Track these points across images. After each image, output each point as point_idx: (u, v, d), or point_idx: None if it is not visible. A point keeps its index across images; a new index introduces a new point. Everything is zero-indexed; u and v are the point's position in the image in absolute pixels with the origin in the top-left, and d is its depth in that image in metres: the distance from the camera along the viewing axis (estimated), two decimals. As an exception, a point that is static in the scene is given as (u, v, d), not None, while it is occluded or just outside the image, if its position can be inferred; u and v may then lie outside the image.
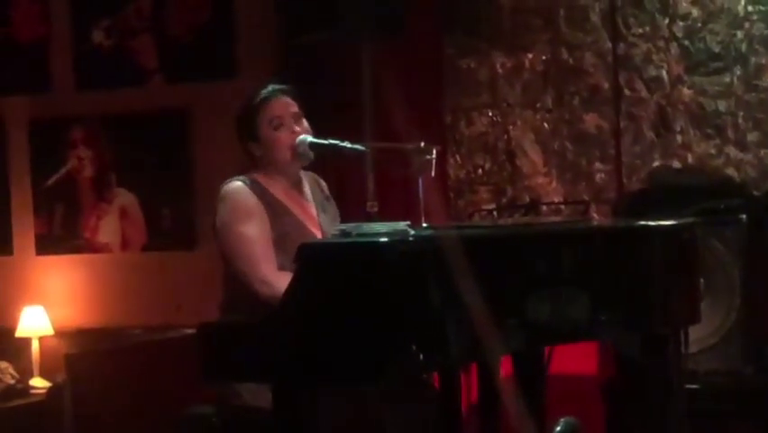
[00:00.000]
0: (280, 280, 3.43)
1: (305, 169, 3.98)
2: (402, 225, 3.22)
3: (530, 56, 6.01)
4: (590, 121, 5.91)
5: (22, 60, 6.88)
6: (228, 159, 5.88)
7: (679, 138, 5.76)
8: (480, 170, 6.12)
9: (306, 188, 3.99)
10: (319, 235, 3.85)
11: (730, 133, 5.67)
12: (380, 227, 3.23)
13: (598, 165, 5.90)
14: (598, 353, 5.16)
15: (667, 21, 5.76)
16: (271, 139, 3.84)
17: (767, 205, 5.27)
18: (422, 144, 3.58)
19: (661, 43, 5.77)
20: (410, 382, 3.09)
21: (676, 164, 5.75)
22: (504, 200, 6.04)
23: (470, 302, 3.08)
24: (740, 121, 5.65)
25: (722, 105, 5.68)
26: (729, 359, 5.01)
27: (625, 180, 5.82)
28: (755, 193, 5.46)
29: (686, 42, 5.73)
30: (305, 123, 3.88)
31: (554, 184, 5.97)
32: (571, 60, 5.93)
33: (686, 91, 5.74)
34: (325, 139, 3.81)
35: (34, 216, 6.89)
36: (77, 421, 5.55)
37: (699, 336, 4.79)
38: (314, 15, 5.54)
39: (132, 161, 6.70)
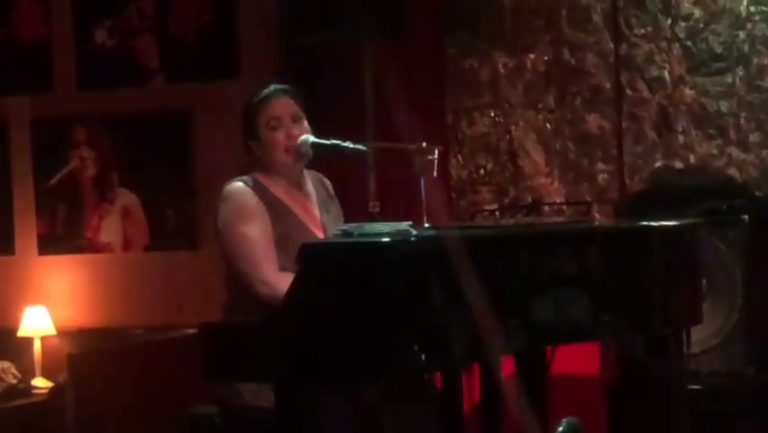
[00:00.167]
0: (282, 281, 3.43)
1: (308, 168, 3.98)
2: (404, 225, 3.22)
3: (532, 56, 6.01)
4: (592, 121, 5.90)
5: (24, 60, 6.89)
6: (230, 159, 5.92)
7: (681, 138, 5.75)
8: (481, 171, 6.12)
9: (310, 188, 3.99)
10: (321, 236, 3.85)
11: (732, 134, 5.67)
12: (382, 227, 3.23)
13: (600, 165, 5.90)
14: (600, 353, 5.16)
15: (669, 21, 5.76)
16: (269, 140, 3.84)
17: (769, 205, 5.28)
18: (424, 144, 3.58)
19: (663, 44, 5.77)
20: (412, 382, 3.09)
21: (678, 165, 5.75)
22: (506, 201, 6.04)
23: (471, 302, 3.08)
24: (742, 121, 5.65)
25: (724, 106, 5.68)
26: (731, 360, 5.00)
27: (627, 181, 5.82)
28: (757, 193, 5.45)
29: (688, 43, 5.73)
30: (305, 124, 3.87)
31: (556, 184, 5.96)
32: (573, 61, 5.93)
33: (688, 91, 5.74)
34: (327, 139, 3.80)
35: (36, 216, 6.89)
36: (78, 421, 5.55)
37: (701, 336, 4.79)
38: (315, 16, 5.55)
39: (134, 161, 6.70)
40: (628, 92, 5.83)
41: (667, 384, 3.88)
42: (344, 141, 3.77)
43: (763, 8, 5.60)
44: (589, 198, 5.75)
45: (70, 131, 6.81)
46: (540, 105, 6.00)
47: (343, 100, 5.78)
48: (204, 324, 3.36)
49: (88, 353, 5.96)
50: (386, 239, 3.11)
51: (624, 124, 5.84)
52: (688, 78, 5.73)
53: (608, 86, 5.87)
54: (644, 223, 3.99)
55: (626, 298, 3.63)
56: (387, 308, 3.01)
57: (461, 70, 6.13)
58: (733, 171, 5.63)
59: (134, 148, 6.69)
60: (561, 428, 3.87)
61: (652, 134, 5.80)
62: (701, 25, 5.70)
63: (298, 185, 3.94)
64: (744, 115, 5.65)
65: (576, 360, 4.71)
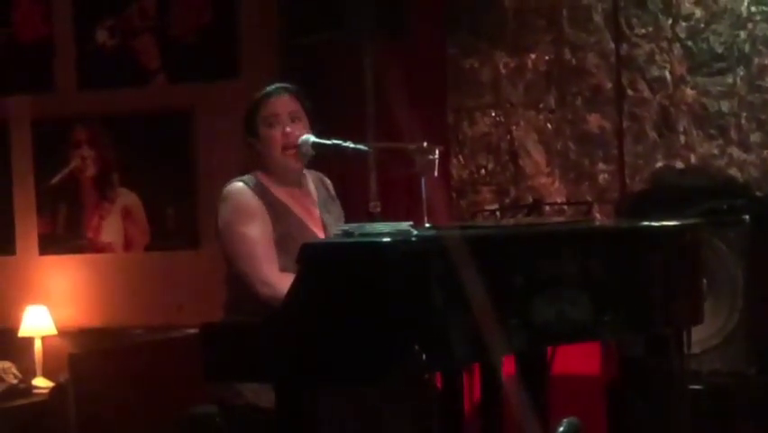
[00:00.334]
0: (282, 282, 3.43)
1: (309, 168, 3.98)
2: (405, 225, 3.22)
3: (533, 56, 6.01)
4: (593, 121, 5.90)
5: (25, 60, 6.88)
6: (230, 158, 5.93)
7: (682, 138, 5.75)
8: (482, 171, 6.12)
9: (310, 188, 3.98)
10: (322, 236, 3.85)
11: (733, 134, 5.67)
12: (383, 227, 3.23)
13: (600, 165, 5.90)
14: (601, 353, 5.15)
15: (670, 21, 5.76)
16: (265, 136, 3.84)
17: (770, 205, 5.28)
18: (425, 144, 3.57)
19: (664, 44, 5.77)
20: (412, 382, 3.09)
21: (679, 165, 5.75)
22: (507, 201, 6.04)
23: (472, 302, 3.08)
24: (743, 121, 5.65)
25: (725, 106, 5.68)
26: (732, 360, 5.00)
27: (627, 181, 5.82)
28: (758, 193, 5.46)
29: (689, 43, 5.73)
30: (304, 123, 3.86)
31: (557, 184, 5.96)
32: (573, 61, 5.93)
33: (689, 92, 5.74)
34: (328, 139, 3.80)
35: (37, 215, 6.89)
36: (79, 421, 5.55)
37: (702, 336, 4.79)
38: (316, 16, 5.55)
39: (134, 161, 6.70)
40: (629, 92, 5.83)
41: (668, 384, 3.88)
42: (345, 141, 3.76)
43: (764, 8, 5.60)
44: (589, 198, 5.75)
45: (71, 131, 6.81)
46: (541, 105, 6.00)
47: (344, 100, 5.78)
48: (204, 324, 3.36)
49: (89, 353, 5.96)
50: (386, 239, 3.11)
51: (625, 124, 5.84)
52: (689, 78, 5.73)
53: (608, 86, 5.87)
54: (645, 223, 4.00)
55: (626, 298, 3.63)
56: (387, 308, 3.01)
57: (462, 70, 6.13)
58: (734, 171, 5.63)
59: (135, 148, 6.69)
60: (561, 428, 3.87)
61: (653, 134, 5.80)
62: (702, 25, 5.70)
63: (299, 185, 3.93)
64: (744, 115, 5.65)
65: (576, 360, 4.71)
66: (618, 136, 5.85)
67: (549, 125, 5.99)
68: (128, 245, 6.75)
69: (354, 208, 4.31)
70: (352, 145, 3.75)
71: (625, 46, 5.83)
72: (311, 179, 4.01)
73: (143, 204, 6.70)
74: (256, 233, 3.73)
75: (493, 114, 6.09)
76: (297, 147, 3.82)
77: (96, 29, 6.76)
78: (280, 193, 3.85)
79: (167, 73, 6.66)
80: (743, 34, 5.64)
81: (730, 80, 5.67)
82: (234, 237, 3.75)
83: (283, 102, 3.86)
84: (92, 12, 6.76)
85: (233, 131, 6.03)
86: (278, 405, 3.26)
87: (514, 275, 3.32)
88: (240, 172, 3.91)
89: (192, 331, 4.10)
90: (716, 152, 5.69)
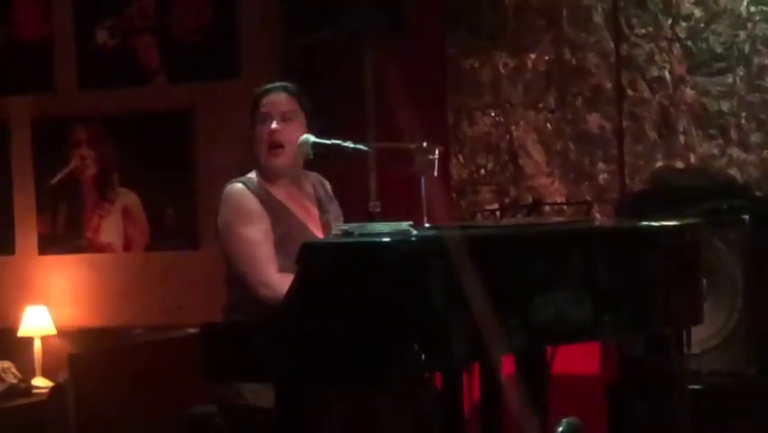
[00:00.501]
0: (282, 283, 3.43)
1: (308, 168, 3.98)
2: (404, 225, 3.22)
3: (533, 56, 6.01)
4: (593, 121, 5.90)
5: (25, 60, 6.88)
6: (230, 158, 5.93)
7: (681, 139, 5.75)
8: (482, 171, 6.12)
9: (309, 189, 3.98)
10: (321, 236, 3.84)
11: (733, 134, 5.67)
12: (383, 227, 3.23)
13: (600, 165, 5.90)
14: (601, 353, 5.16)
15: (670, 21, 5.76)
16: (255, 134, 3.84)
17: (770, 205, 5.28)
18: (424, 144, 3.57)
19: (663, 44, 5.77)
20: (412, 382, 3.09)
21: (679, 165, 5.75)
22: (506, 200, 6.04)
23: (472, 302, 3.08)
24: (743, 121, 5.65)
25: (725, 106, 5.68)
26: (732, 360, 5.00)
27: (627, 181, 5.82)
28: (758, 194, 5.46)
29: (689, 43, 5.73)
30: (299, 123, 3.84)
31: (557, 184, 5.96)
32: (573, 61, 5.93)
33: (689, 92, 5.74)
34: (328, 139, 3.80)
35: (37, 215, 6.89)
36: (79, 421, 5.54)
37: (701, 336, 4.79)
38: (316, 15, 5.55)
39: (134, 161, 6.70)
40: (629, 92, 5.83)
41: (667, 384, 3.88)
42: (345, 140, 3.76)
43: (764, 8, 5.60)
44: (589, 198, 5.75)
45: (71, 130, 6.81)
46: (541, 105, 6.00)
47: (344, 100, 5.78)
48: (204, 323, 3.36)
49: (89, 352, 5.96)
50: (386, 239, 3.12)
51: (624, 124, 5.84)
52: (688, 78, 5.73)
53: (608, 86, 5.87)
54: (645, 223, 4.00)
55: (626, 297, 3.63)
56: (387, 307, 3.01)
57: (462, 70, 6.13)
58: (734, 171, 5.63)
59: (135, 148, 6.69)
60: (561, 429, 3.87)
61: (652, 134, 5.80)
62: (702, 25, 5.70)
63: (299, 185, 3.93)
64: (744, 115, 5.65)
65: (576, 360, 4.71)
66: (618, 136, 5.85)
67: (549, 125, 5.99)
68: (128, 245, 6.75)
69: (354, 208, 4.31)
70: (351, 145, 3.75)
71: (625, 46, 5.83)
72: (310, 179, 4.01)
73: (143, 204, 6.70)
74: (256, 234, 3.73)
75: (493, 113, 6.09)
76: (277, 145, 3.81)
77: (96, 29, 6.76)
78: (280, 193, 3.85)
79: (167, 73, 6.66)
80: (742, 34, 5.64)
81: (730, 80, 5.67)
82: (234, 238, 3.75)
83: (276, 101, 3.85)
84: (92, 11, 6.76)
85: (233, 131, 6.06)
86: (278, 405, 3.26)
87: (513, 275, 3.32)
88: (240, 172, 3.91)
89: (192, 331, 4.11)
90: (716, 152, 5.69)
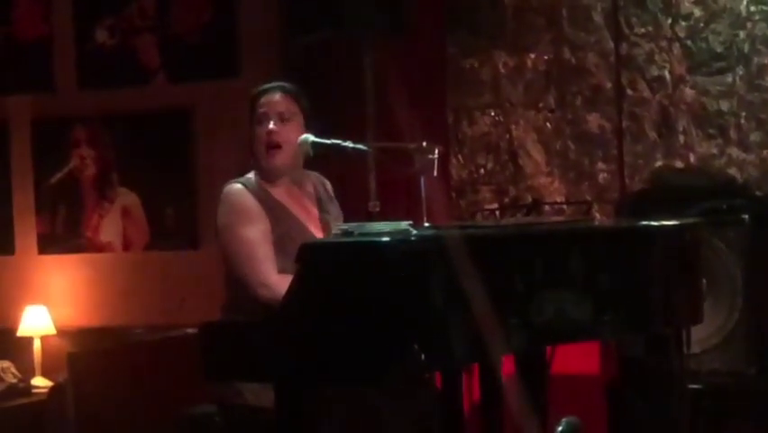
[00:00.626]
0: (281, 283, 3.42)
1: (308, 168, 3.98)
2: (404, 224, 3.22)
3: (533, 56, 6.01)
4: (593, 121, 5.90)
5: (25, 60, 6.88)
6: (230, 158, 5.92)
7: (681, 138, 5.75)
8: (482, 170, 6.12)
9: (310, 188, 3.98)
10: (321, 236, 3.84)
11: (732, 134, 5.66)
12: (382, 227, 3.23)
13: (600, 165, 5.89)
14: (600, 353, 5.16)
15: (670, 21, 5.76)
16: (253, 133, 3.84)
17: (770, 205, 5.27)
18: (424, 144, 3.57)
19: (663, 43, 5.77)
20: (411, 381, 3.09)
21: (678, 164, 5.74)
22: (506, 200, 6.03)
23: (471, 302, 3.08)
24: (742, 121, 5.65)
25: (724, 106, 5.67)
26: (732, 359, 5.00)
27: (627, 180, 5.82)
28: (758, 193, 5.46)
29: (688, 42, 5.73)
30: (297, 123, 3.84)
31: (557, 184, 5.96)
32: (573, 60, 5.93)
33: (688, 91, 5.73)
34: (328, 138, 3.80)
35: (36, 215, 6.89)
36: (78, 421, 5.55)
37: (701, 336, 4.79)
38: (316, 15, 5.54)
39: (134, 161, 6.70)
40: (629, 92, 5.83)
41: (667, 384, 3.88)
42: (345, 140, 3.76)
43: (764, 7, 5.60)
44: (589, 198, 5.75)
45: (70, 130, 6.81)
46: (540, 105, 6.00)
47: (343, 99, 5.78)
48: (204, 323, 3.36)
49: (88, 352, 5.96)
50: (386, 238, 3.11)
51: (624, 124, 5.84)
52: (688, 78, 5.73)
53: (608, 85, 5.87)
54: (645, 222, 3.99)
55: (626, 297, 3.63)
56: (386, 307, 3.01)
57: (462, 70, 6.12)
58: (733, 171, 5.63)
59: (135, 147, 6.69)
60: (561, 428, 3.87)
61: (652, 134, 5.80)
62: (702, 25, 5.70)
63: (299, 185, 3.93)
64: (744, 114, 5.64)
65: (576, 359, 4.71)
66: (618, 136, 5.85)
67: (548, 125, 5.99)
68: (127, 245, 6.75)
69: (353, 208, 4.31)
70: (351, 145, 3.75)
71: (624, 45, 5.83)
72: (310, 179, 4.00)
73: (143, 203, 6.70)
74: (254, 234, 3.72)
75: (493, 113, 6.09)
76: (281, 147, 3.81)
77: (95, 28, 6.76)
78: (279, 193, 3.85)
79: (167, 72, 6.66)
80: (742, 34, 5.64)
81: (729, 80, 5.67)
82: (233, 239, 3.74)
83: (273, 101, 3.85)
84: (92, 11, 6.76)
85: (233, 130, 6.06)
86: (278, 405, 3.26)
87: (513, 275, 3.32)
88: (239, 172, 3.91)
89: (192, 331, 4.11)
90: (715, 151, 5.69)
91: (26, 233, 6.90)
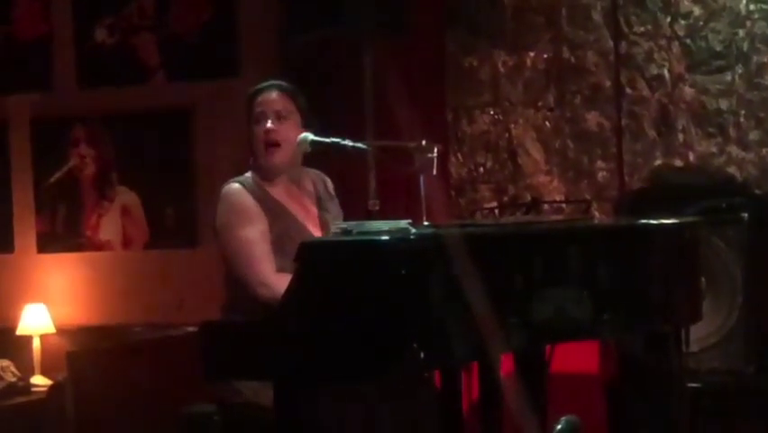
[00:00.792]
0: (280, 282, 3.42)
1: (308, 167, 3.98)
2: (403, 223, 3.22)
3: (532, 54, 6.01)
4: (592, 119, 5.90)
5: (24, 59, 6.88)
6: (230, 157, 5.92)
7: (680, 137, 5.75)
8: (481, 169, 6.12)
9: (309, 187, 3.98)
10: (320, 234, 3.84)
11: (732, 132, 5.66)
12: (382, 226, 3.22)
13: (599, 164, 5.90)
14: (600, 351, 5.16)
15: (669, 19, 5.76)
16: (251, 132, 3.84)
17: (769, 203, 5.27)
18: (423, 143, 3.57)
19: (662, 42, 5.77)
20: (411, 380, 3.09)
21: (678, 163, 5.74)
22: (505, 199, 6.03)
23: (471, 301, 3.08)
24: (742, 120, 5.65)
25: (724, 104, 5.67)
26: (731, 358, 5.00)
27: (626, 179, 5.82)
28: (757, 192, 5.45)
29: (688, 41, 5.73)
30: (294, 122, 3.84)
31: (556, 183, 5.96)
32: (572, 59, 5.93)
33: (688, 90, 5.73)
34: (327, 137, 3.80)
35: (36, 214, 6.89)
36: (78, 419, 5.55)
37: (700, 334, 4.79)
38: (316, 14, 5.54)
39: (133, 160, 6.70)
40: (628, 90, 5.83)
41: (667, 383, 3.88)
42: (344, 139, 3.76)
43: (763, 6, 5.60)
44: (588, 197, 5.75)
45: (70, 129, 6.81)
46: (540, 104, 6.00)
47: (343, 98, 5.78)
48: (204, 322, 3.35)
49: (88, 351, 5.96)
50: (385, 237, 3.11)
51: (623, 123, 5.84)
52: (687, 77, 5.73)
53: (607, 84, 5.87)
54: (644, 221, 3.99)
55: (625, 296, 3.63)
56: (385, 306, 3.01)
57: (461, 68, 6.12)
58: (732, 170, 5.63)
59: (134, 146, 6.69)
60: (560, 427, 3.87)
61: (651, 133, 5.80)
62: (701, 23, 5.70)
63: (297, 183, 3.93)
64: (743, 113, 5.64)
65: (576, 358, 4.71)
66: (617, 134, 5.85)
67: (548, 123, 5.99)
68: (127, 244, 6.75)
69: (353, 207, 4.31)
70: (350, 143, 3.74)
71: (624, 44, 5.83)
72: (310, 177, 4.00)
73: (142, 202, 6.70)
74: (253, 234, 3.72)
75: (492, 112, 6.09)
76: (279, 145, 3.81)
77: (95, 27, 6.76)
78: (277, 192, 3.85)
79: (166, 71, 6.66)
80: (741, 32, 5.64)
81: (729, 78, 5.67)
82: (232, 239, 3.74)
83: (270, 100, 3.85)
84: (91, 10, 6.76)
85: (233, 129, 6.06)
86: (277, 403, 3.26)
87: (512, 273, 3.32)
88: (238, 171, 3.91)
89: (191, 329, 4.11)
90: (714, 150, 5.69)
91: (26, 231, 6.90)
